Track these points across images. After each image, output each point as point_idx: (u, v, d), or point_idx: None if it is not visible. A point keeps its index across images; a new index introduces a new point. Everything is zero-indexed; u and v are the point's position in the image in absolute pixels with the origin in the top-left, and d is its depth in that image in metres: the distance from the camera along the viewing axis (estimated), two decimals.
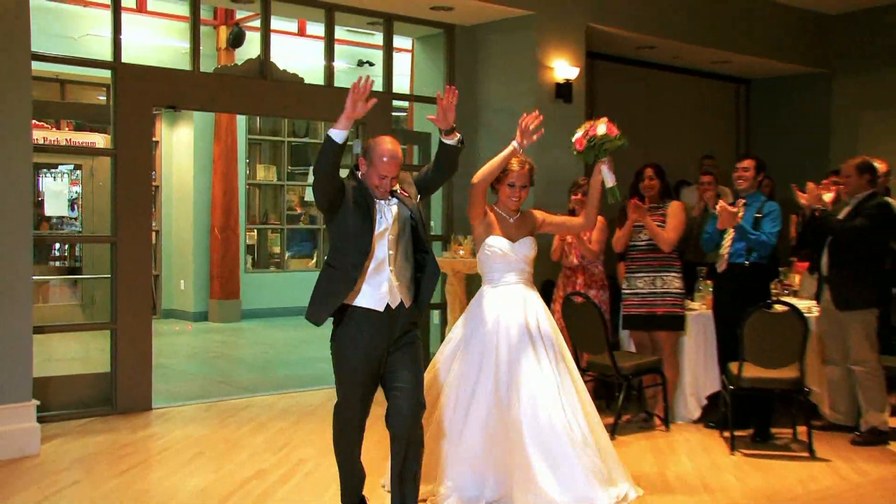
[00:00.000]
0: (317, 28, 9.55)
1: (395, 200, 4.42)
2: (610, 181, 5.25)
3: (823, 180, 8.07)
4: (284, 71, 8.45)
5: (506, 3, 8.64)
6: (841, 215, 6.68)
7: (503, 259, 5.17)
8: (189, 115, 13.02)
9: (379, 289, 4.34)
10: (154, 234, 12.70)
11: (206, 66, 8.30)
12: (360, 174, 4.40)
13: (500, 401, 4.96)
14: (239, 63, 8.70)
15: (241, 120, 13.40)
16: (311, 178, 14.93)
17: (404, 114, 12.12)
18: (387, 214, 4.37)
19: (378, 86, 9.14)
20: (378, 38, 9.48)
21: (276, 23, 8.95)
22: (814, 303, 7.06)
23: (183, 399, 7.94)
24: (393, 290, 4.35)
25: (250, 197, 14.30)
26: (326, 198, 4.25)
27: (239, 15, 12.30)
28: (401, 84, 9.64)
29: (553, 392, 4.94)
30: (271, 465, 5.92)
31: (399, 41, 9.44)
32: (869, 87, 11.46)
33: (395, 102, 9.37)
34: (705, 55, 10.95)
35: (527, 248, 5.22)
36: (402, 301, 4.40)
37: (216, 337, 12.09)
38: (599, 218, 7.31)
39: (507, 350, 5.01)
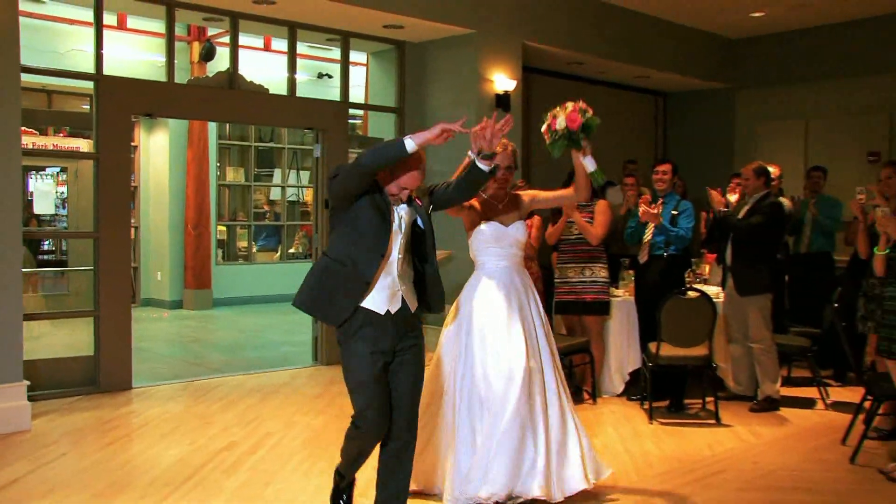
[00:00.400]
0: (281, 44, 9.51)
1: (404, 207, 3.91)
2: (590, 166, 4.60)
3: (733, 180, 8.26)
4: (251, 82, 8.39)
5: (451, 23, 8.68)
6: (741, 213, 6.84)
7: (496, 244, 4.66)
8: (165, 122, 12.85)
9: (383, 291, 3.85)
10: (133, 229, 12.54)
11: (181, 77, 8.24)
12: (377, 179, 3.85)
13: (481, 391, 4.44)
14: (210, 75, 8.63)
15: (212, 126, 13.25)
16: (276, 179, 14.88)
17: (360, 121, 12.10)
18: (395, 218, 3.87)
19: (336, 95, 9.14)
20: (336, 53, 9.45)
21: (243, 39, 8.88)
22: (720, 289, 7.21)
23: (160, 379, 7.88)
24: (397, 294, 3.88)
25: (221, 196, 14.16)
26: (352, 191, 3.72)
27: (211, 32, 12.16)
28: (357, 94, 9.64)
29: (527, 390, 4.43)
30: (241, 438, 5.92)
31: (355, 56, 9.42)
32: (766, 102, 11.74)
33: (352, 111, 9.35)
34: (628, 71, 11.09)
35: (519, 232, 4.70)
36: (403, 306, 3.90)
37: (190, 323, 11.97)
38: (536, 217, 7.38)
39: (494, 339, 4.48)
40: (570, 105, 4.54)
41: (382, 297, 3.84)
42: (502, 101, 9.03)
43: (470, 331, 4.55)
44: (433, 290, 4.03)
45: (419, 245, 4.00)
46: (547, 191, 5.06)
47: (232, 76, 8.22)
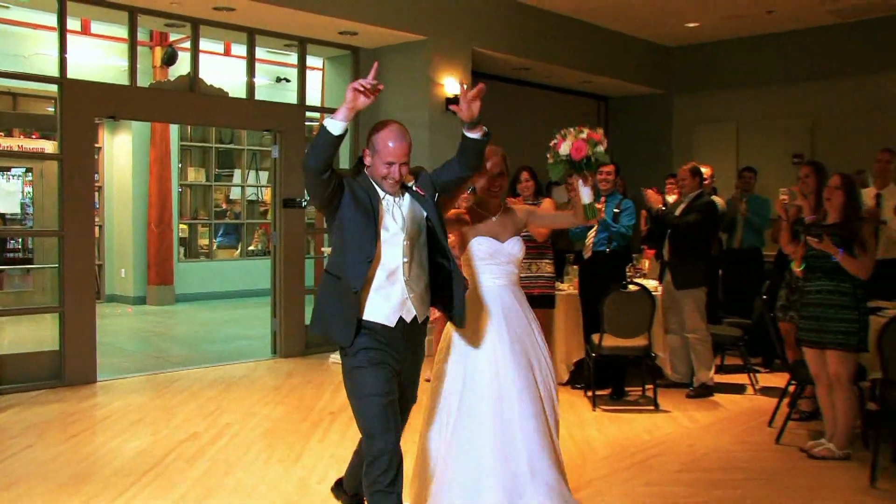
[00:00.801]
0: (240, 49, 9.40)
1: (407, 198, 3.40)
2: (586, 198, 3.98)
3: (668, 180, 8.37)
4: (211, 86, 8.32)
5: (403, 29, 8.67)
6: (678, 211, 6.94)
7: (491, 260, 4.10)
8: (128, 124, 12.65)
9: (390, 301, 3.33)
10: (97, 228, 12.34)
11: (143, 81, 8.15)
12: (365, 168, 3.41)
13: (482, 410, 3.93)
14: (172, 79, 8.55)
15: (173, 128, 13.10)
16: (236, 179, 14.75)
17: (316, 123, 12.02)
18: (397, 216, 3.35)
19: (293, 99, 9.09)
20: (293, 58, 9.39)
21: (204, 44, 8.76)
22: (658, 283, 7.30)
23: (124, 372, 7.77)
24: (407, 302, 3.36)
25: (182, 196, 13.99)
26: (318, 196, 3.26)
27: (172, 37, 12.00)
28: (313, 97, 9.59)
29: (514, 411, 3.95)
30: (202, 429, 5.87)
31: (311, 61, 9.37)
32: (701, 107, 11.94)
33: (308, 114, 9.30)
34: (572, 76, 11.18)
35: (515, 248, 4.14)
36: (415, 315, 3.41)
37: (153, 318, 11.81)
38: None
39: (501, 365, 3.96)
40: (585, 131, 3.96)
41: (390, 307, 3.34)
42: (452, 103, 8.99)
43: (469, 355, 4.00)
44: (459, 292, 3.47)
45: (434, 240, 3.46)
46: (546, 210, 4.47)
47: (193, 80, 8.12)
